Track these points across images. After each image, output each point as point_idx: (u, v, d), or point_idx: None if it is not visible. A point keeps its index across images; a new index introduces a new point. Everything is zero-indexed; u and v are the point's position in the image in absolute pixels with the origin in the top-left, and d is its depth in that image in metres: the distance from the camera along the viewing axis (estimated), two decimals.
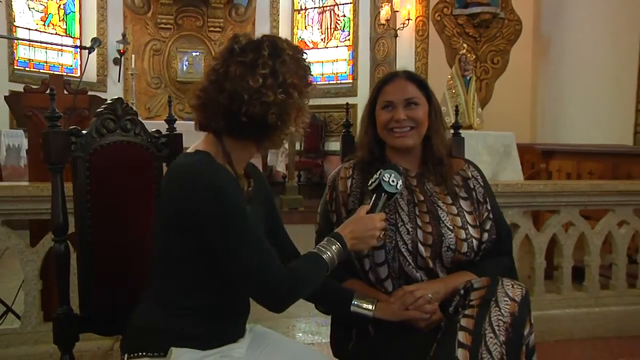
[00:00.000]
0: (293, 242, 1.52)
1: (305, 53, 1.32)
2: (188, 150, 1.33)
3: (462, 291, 1.42)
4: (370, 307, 1.47)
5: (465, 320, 1.32)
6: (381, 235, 1.41)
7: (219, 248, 1.21)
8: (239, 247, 1.20)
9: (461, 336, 1.29)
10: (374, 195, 1.43)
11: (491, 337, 1.28)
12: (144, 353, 1.27)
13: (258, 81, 1.22)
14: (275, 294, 1.21)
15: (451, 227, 1.54)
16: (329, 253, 1.29)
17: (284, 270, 1.22)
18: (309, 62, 1.32)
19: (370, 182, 1.47)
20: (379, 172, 1.44)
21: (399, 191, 1.45)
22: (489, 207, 1.62)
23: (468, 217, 1.57)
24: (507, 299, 1.34)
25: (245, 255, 1.20)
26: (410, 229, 1.53)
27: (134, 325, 1.33)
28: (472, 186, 1.63)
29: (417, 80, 1.63)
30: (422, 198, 1.58)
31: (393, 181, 1.42)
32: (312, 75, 1.33)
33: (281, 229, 1.50)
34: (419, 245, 1.52)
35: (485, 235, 1.58)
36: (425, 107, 1.60)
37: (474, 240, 1.55)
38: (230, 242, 1.19)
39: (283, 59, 1.25)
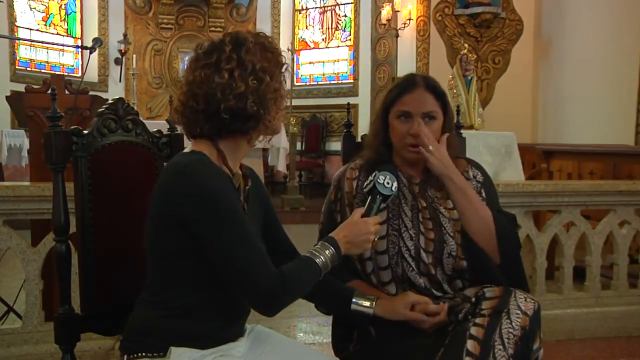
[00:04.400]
0: (292, 243, 1.52)
1: (270, 37, 1.33)
2: (184, 151, 1.33)
3: (473, 299, 1.42)
4: (369, 304, 1.45)
5: (475, 329, 1.31)
6: (375, 239, 1.38)
7: (209, 248, 1.21)
8: (229, 247, 1.19)
9: (470, 345, 1.29)
10: (369, 198, 1.41)
11: (500, 349, 1.28)
12: (143, 354, 1.27)
13: (224, 76, 1.22)
14: (265, 296, 1.20)
15: (452, 233, 1.53)
16: (322, 257, 1.27)
17: (274, 272, 1.21)
18: (276, 46, 1.32)
19: (365, 184, 1.45)
20: (373, 174, 1.43)
21: (394, 193, 1.43)
22: (485, 198, 1.59)
23: None
24: (519, 312, 1.33)
25: (235, 255, 1.19)
26: (413, 235, 1.53)
27: (132, 327, 1.33)
28: (472, 187, 1.62)
29: (436, 91, 1.58)
30: (424, 204, 1.57)
31: (388, 183, 1.41)
32: (282, 56, 1.32)
33: (280, 229, 1.50)
34: (421, 251, 1.52)
35: None
36: (441, 120, 1.57)
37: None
38: (220, 242, 1.19)
39: (247, 48, 1.25)
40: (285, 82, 1.32)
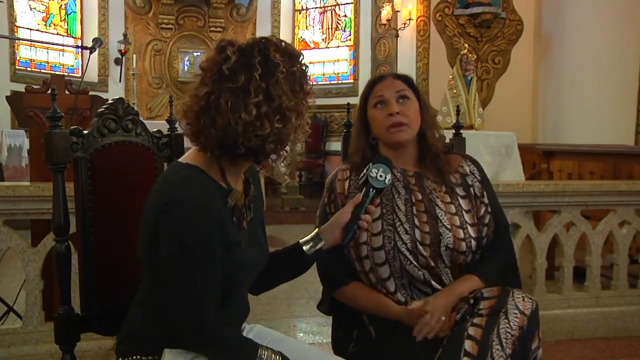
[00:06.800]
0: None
1: (301, 55, 1.24)
2: (182, 158, 1.29)
3: (471, 300, 1.42)
4: (314, 235, 1.43)
5: (473, 330, 1.32)
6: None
7: (164, 270, 1.18)
8: (182, 281, 1.17)
9: (468, 345, 1.29)
10: (363, 191, 1.43)
11: (498, 349, 1.28)
12: (138, 357, 1.28)
13: (252, 113, 1.14)
14: (189, 328, 1.18)
15: (449, 227, 1.53)
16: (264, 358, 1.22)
17: (216, 325, 1.19)
18: (306, 66, 1.25)
19: (360, 177, 1.48)
20: (367, 167, 1.45)
21: (388, 185, 1.45)
22: (487, 201, 1.61)
23: (466, 216, 1.57)
24: (517, 311, 1.34)
25: (188, 284, 1.17)
26: (408, 229, 1.53)
27: (126, 330, 1.33)
28: (470, 182, 1.63)
29: (404, 77, 1.67)
30: (420, 197, 1.58)
31: (381, 176, 1.43)
32: (309, 80, 1.25)
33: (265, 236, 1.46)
34: (418, 244, 1.52)
35: (485, 230, 1.58)
36: (416, 103, 1.63)
37: (472, 240, 1.54)
38: (174, 273, 1.17)
39: (276, 79, 1.17)
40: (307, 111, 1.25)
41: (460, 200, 1.59)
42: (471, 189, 1.62)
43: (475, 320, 1.33)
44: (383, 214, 1.55)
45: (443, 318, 1.43)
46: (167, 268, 1.18)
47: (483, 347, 1.28)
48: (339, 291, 1.59)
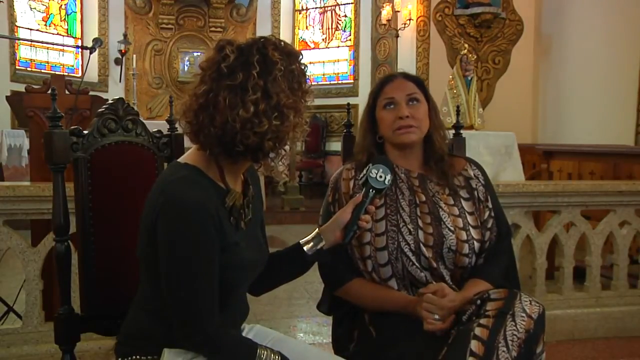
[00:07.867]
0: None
1: (300, 55, 1.25)
2: (181, 158, 1.29)
3: (478, 301, 1.42)
4: (315, 235, 1.43)
5: (479, 330, 1.31)
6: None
7: (162, 271, 1.19)
8: (184, 278, 1.17)
9: (474, 345, 1.29)
10: (363, 191, 1.44)
11: (503, 351, 1.28)
12: (138, 357, 1.28)
13: (249, 110, 1.15)
14: (191, 332, 1.18)
15: (452, 229, 1.54)
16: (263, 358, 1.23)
17: (215, 325, 1.19)
18: (305, 66, 1.25)
19: (360, 177, 1.49)
20: (367, 168, 1.45)
21: (387, 186, 1.44)
22: (490, 205, 1.62)
23: (469, 218, 1.57)
24: (524, 314, 1.34)
25: (186, 288, 1.18)
26: (412, 229, 1.54)
27: (126, 330, 1.33)
28: (474, 186, 1.63)
29: (415, 79, 1.66)
30: (423, 199, 1.58)
31: (381, 176, 1.43)
32: (308, 79, 1.25)
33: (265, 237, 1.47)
34: (421, 245, 1.52)
35: (487, 234, 1.58)
36: (425, 105, 1.62)
37: (475, 242, 1.55)
38: (173, 274, 1.17)
39: (274, 76, 1.17)
40: (306, 107, 1.25)
41: (463, 203, 1.60)
42: (475, 193, 1.62)
43: (482, 321, 1.33)
44: (387, 215, 1.55)
45: (437, 317, 1.43)
46: (165, 268, 1.19)
47: (489, 348, 1.28)
48: (343, 289, 1.59)
